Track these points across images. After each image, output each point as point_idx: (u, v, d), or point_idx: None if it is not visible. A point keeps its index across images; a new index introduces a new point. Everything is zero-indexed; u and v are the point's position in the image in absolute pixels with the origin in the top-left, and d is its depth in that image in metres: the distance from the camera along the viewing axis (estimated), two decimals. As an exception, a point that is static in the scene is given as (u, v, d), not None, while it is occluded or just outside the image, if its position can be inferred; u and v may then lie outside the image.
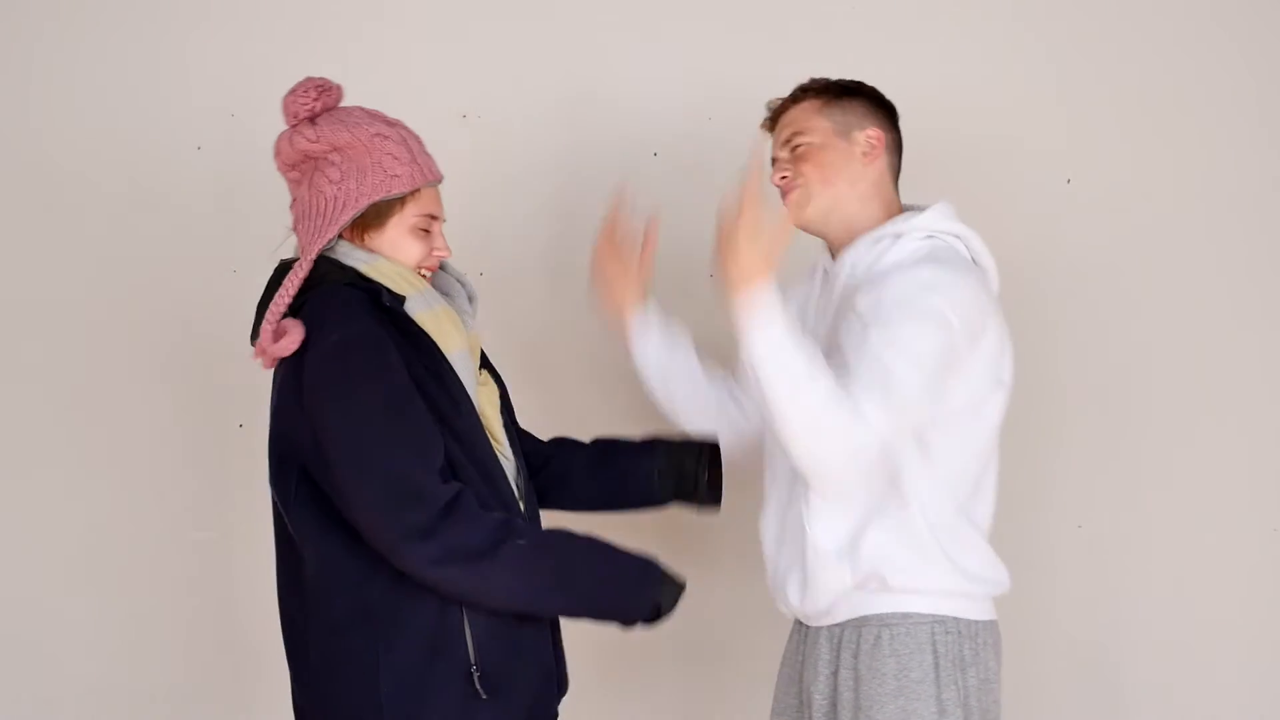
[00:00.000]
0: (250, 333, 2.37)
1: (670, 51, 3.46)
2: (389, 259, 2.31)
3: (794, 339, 2.19)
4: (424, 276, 2.37)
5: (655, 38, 3.46)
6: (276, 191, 3.43)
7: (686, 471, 2.61)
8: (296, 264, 2.30)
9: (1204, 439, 3.43)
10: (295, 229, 2.35)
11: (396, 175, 2.27)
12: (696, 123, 3.45)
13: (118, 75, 3.43)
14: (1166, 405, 3.42)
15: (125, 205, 3.44)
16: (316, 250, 2.27)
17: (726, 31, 3.45)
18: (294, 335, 2.22)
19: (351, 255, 2.30)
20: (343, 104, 2.42)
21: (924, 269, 2.30)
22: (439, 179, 2.35)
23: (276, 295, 2.28)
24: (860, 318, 2.28)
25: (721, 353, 3.48)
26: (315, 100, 2.32)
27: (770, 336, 2.16)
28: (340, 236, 2.32)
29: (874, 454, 2.19)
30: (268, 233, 3.42)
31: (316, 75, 2.40)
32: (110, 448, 3.46)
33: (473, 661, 2.23)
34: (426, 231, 2.34)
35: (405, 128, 2.36)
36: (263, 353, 2.27)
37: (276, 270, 2.38)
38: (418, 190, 2.31)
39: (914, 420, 2.26)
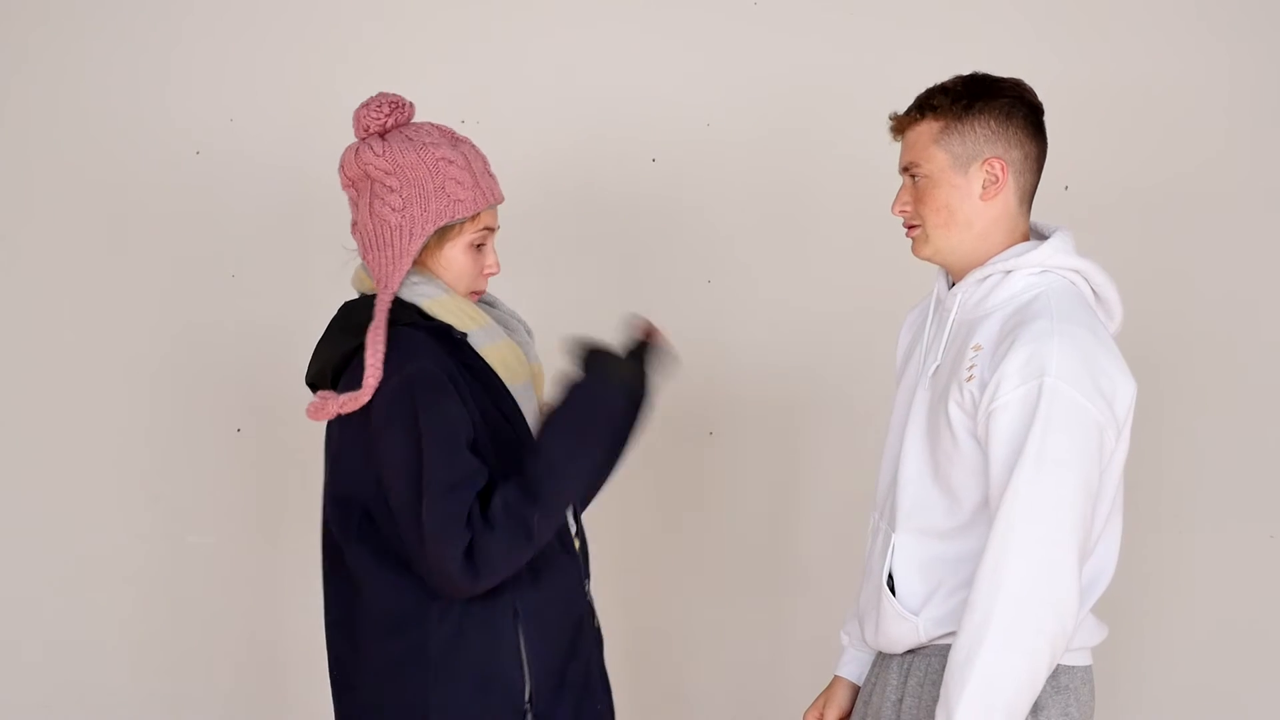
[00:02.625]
0: (306, 376, 2.34)
1: (668, 58, 3.46)
2: (444, 284, 2.31)
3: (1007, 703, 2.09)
4: (476, 298, 2.36)
5: (654, 44, 3.47)
6: (275, 197, 3.48)
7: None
8: (378, 304, 2.24)
9: (1201, 440, 3.44)
10: (364, 258, 2.31)
11: (460, 200, 2.26)
12: (694, 128, 3.46)
13: (116, 80, 3.43)
14: (1163, 409, 3.42)
15: (123, 209, 3.44)
16: (398, 282, 2.26)
17: (724, 38, 3.46)
18: (353, 397, 2.20)
19: (413, 290, 2.29)
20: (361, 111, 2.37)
21: (1050, 344, 2.11)
22: (500, 200, 2.34)
23: (371, 344, 2.20)
24: (1000, 422, 2.11)
25: (720, 357, 3.49)
26: (388, 116, 2.30)
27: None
28: None
29: (1069, 611, 2.11)
30: (266, 237, 3.47)
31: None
32: (107, 452, 3.45)
33: (527, 700, 2.24)
34: (480, 247, 2.34)
35: (470, 146, 2.34)
36: (320, 410, 2.23)
37: (342, 310, 2.35)
38: (478, 214, 2.31)
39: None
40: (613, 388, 2.25)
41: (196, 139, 3.43)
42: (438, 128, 2.33)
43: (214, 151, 3.44)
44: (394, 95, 2.32)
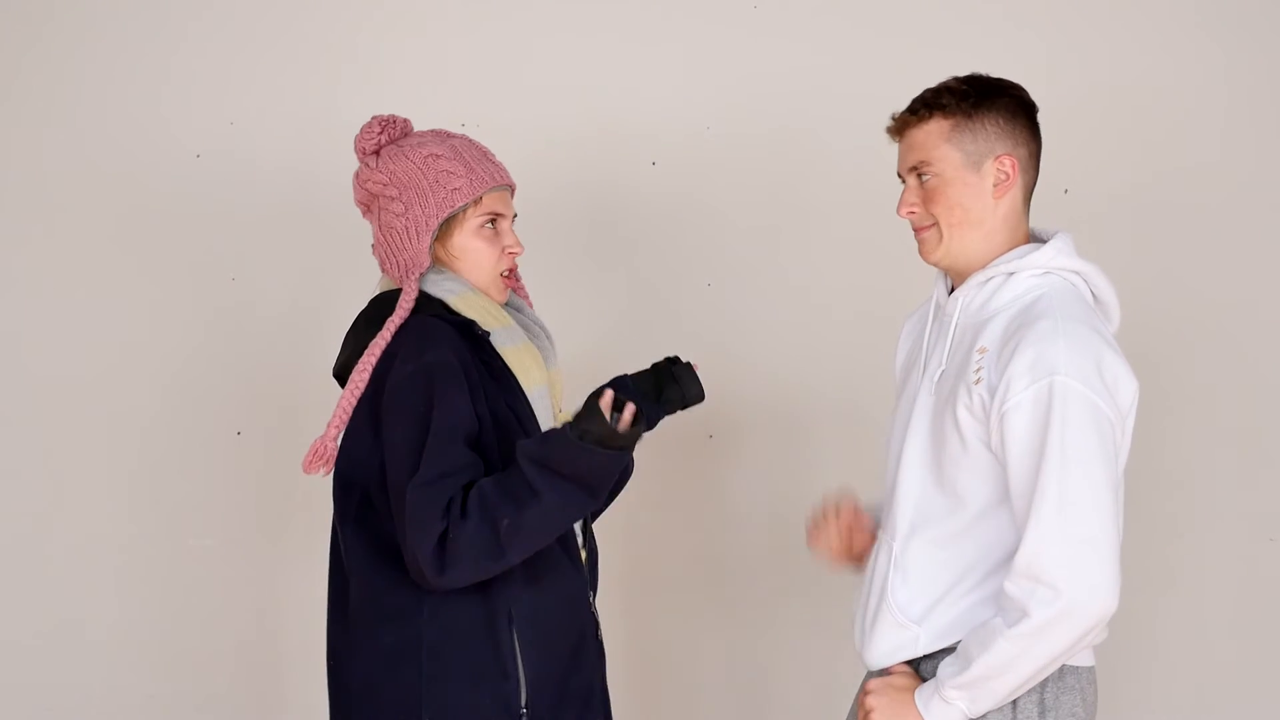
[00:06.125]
0: (333, 367, 2.38)
1: (669, 61, 3.47)
2: (464, 279, 2.35)
3: (984, 687, 2.11)
4: (505, 277, 2.39)
5: (654, 47, 3.47)
6: (275, 200, 3.48)
7: (662, 388, 2.59)
8: (400, 300, 2.30)
9: (1201, 442, 3.45)
10: (385, 270, 2.38)
11: (456, 189, 2.32)
12: (694, 132, 3.47)
13: (117, 84, 3.44)
14: (1163, 410, 3.42)
15: (124, 212, 3.44)
16: (415, 280, 2.31)
17: (724, 41, 3.47)
18: (325, 451, 2.29)
19: (438, 285, 2.34)
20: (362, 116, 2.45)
21: (1057, 343, 2.11)
22: (502, 183, 2.38)
23: (381, 332, 2.27)
24: (1015, 423, 2.10)
25: (720, 360, 3.49)
26: (380, 134, 2.36)
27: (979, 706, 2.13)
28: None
29: (1111, 606, 2.10)
30: (266, 240, 3.47)
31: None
32: (108, 455, 3.46)
33: (523, 703, 2.24)
34: (494, 231, 2.37)
35: (464, 139, 2.39)
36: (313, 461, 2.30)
37: (372, 302, 2.39)
38: (480, 198, 2.34)
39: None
40: (588, 447, 2.15)
41: (197, 142, 3.44)
42: (431, 131, 2.39)
43: (214, 155, 3.44)
44: (385, 115, 2.39)
